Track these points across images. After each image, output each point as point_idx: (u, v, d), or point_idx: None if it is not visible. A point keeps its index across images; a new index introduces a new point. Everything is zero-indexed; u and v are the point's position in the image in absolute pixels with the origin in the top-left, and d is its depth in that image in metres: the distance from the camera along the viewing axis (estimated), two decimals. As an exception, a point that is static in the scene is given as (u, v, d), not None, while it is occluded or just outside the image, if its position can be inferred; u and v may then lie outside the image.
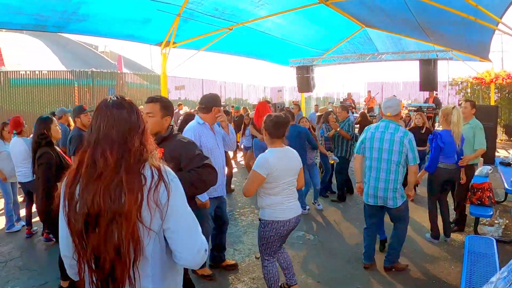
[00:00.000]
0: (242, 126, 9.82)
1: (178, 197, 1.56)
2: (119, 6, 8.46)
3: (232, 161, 10.89)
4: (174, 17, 9.46)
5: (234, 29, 11.23)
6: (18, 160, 5.78)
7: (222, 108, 4.37)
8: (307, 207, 6.89)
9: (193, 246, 1.58)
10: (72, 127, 7.00)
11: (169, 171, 1.58)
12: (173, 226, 1.54)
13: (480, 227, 5.57)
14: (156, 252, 1.56)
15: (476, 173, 5.95)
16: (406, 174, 4.38)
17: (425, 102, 15.52)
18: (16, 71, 14.67)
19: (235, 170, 10.76)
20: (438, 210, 5.42)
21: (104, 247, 1.46)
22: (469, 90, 18.79)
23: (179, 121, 7.10)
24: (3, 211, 6.43)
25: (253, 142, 8.42)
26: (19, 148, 5.77)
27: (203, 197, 3.73)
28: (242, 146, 10.12)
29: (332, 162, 7.13)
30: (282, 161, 3.41)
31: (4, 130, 6.30)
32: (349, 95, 19.95)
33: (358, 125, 11.40)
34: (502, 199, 7.15)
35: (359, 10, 10.84)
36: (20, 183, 5.96)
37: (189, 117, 5.10)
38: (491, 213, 5.20)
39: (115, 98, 1.58)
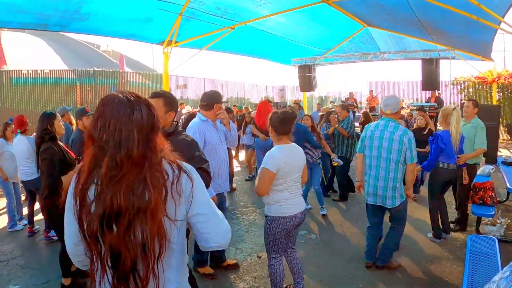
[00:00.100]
0: (243, 124, 9.81)
1: (200, 185, 1.63)
2: (121, 5, 8.46)
3: (234, 160, 10.90)
4: (176, 16, 9.46)
5: (236, 28, 11.22)
6: (21, 158, 5.80)
7: (223, 105, 4.37)
8: (309, 206, 6.90)
9: (220, 226, 1.67)
10: (74, 126, 7.04)
11: (184, 164, 1.63)
12: (202, 210, 1.61)
13: (482, 227, 5.56)
14: (179, 241, 1.62)
15: (478, 172, 5.94)
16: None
17: (427, 102, 15.51)
18: (18, 70, 14.68)
19: (237, 169, 10.77)
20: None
21: (125, 245, 1.45)
22: (471, 90, 18.74)
23: (181, 121, 7.11)
24: (5, 210, 6.43)
25: (254, 142, 8.43)
26: (22, 147, 5.78)
27: (210, 193, 3.74)
28: (242, 144, 10.09)
29: (335, 164, 7.06)
30: (289, 158, 3.41)
31: (7, 130, 6.30)
32: (351, 94, 19.94)
33: (361, 126, 11.38)
34: (504, 199, 7.14)
35: (361, 9, 10.83)
36: (22, 181, 5.98)
37: (191, 118, 5.10)
38: (493, 212, 5.19)
39: (130, 97, 1.54)
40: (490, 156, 8.57)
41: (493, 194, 5.30)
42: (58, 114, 4.21)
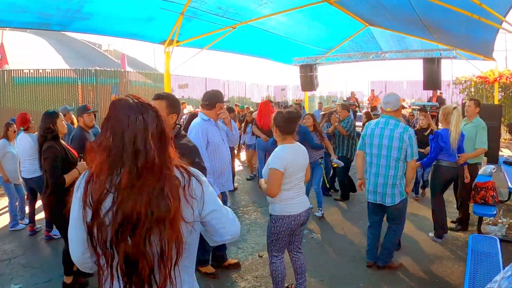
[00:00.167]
0: (244, 123, 9.82)
1: (208, 185, 1.67)
2: (123, 5, 8.47)
3: (236, 159, 10.90)
4: (178, 16, 9.47)
5: (237, 27, 11.23)
6: (24, 155, 5.80)
7: (224, 104, 4.38)
8: (310, 205, 6.88)
9: (229, 217, 1.73)
10: (75, 126, 7.04)
11: (191, 167, 1.65)
12: (214, 207, 1.66)
13: (484, 226, 5.55)
14: (193, 241, 1.65)
15: (480, 172, 5.93)
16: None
17: (428, 101, 15.48)
18: (20, 70, 14.69)
19: (239, 168, 10.77)
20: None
21: (142, 254, 1.45)
22: (472, 89, 18.74)
23: (182, 120, 7.12)
24: (7, 209, 6.44)
25: (256, 141, 8.44)
26: (25, 144, 5.79)
27: (215, 191, 3.79)
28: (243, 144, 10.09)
29: (335, 165, 7.03)
30: (294, 157, 3.43)
31: (8, 131, 6.29)
32: (353, 94, 19.92)
33: (364, 126, 11.36)
34: (506, 198, 7.14)
35: (362, 8, 10.82)
36: (23, 179, 5.98)
37: (193, 117, 5.11)
38: (495, 212, 5.19)
39: (140, 103, 1.54)
40: (492, 156, 8.57)
41: (494, 193, 5.30)
42: (60, 113, 4.22)
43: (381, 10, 10.34)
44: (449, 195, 6.15)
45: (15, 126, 6.29)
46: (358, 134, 6.80)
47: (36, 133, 4.69)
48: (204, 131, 4.03)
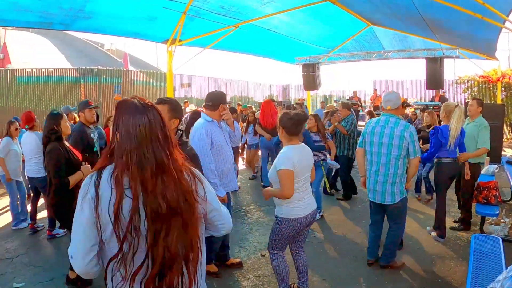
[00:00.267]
0: (246, 123, 9.80)
1: (207, 184, 1.78)
2: (125, 4, 8.47)
3: (240, 158, 10.90)
4: (180, 15, 9.46)
5: (240, 27, 11.21)
6: (29, 154, 5.80)
7: (228, 105, 4.39)
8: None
9: (225, 212, 1.85)
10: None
11: (193, 168, 1.74)
12: (215, 204, 1.78)
13: (486, 226, 5.54)
14: (204, 239, 1.76)
15: (483, 171, 5.92)
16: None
17: (431, 101, 15.45)
18: (23, 69, 14.74)
19: (242, 167, 10.77)
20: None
21: (175, 251, 1.52)
22: (475, 89, 18.69)
23: (184, 118, 7.12)
24: (9, 208, 6.46)
25: (259, 140, 8.43)
26: (31, 143, 5.79)
27: (221, 192, 3.92)
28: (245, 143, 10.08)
29: (330, 167, 6.98)
30: (301, 157, 3.44)
31: (11, 128, 6.31)
32: (355, 93, 19.92)
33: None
34: (509, 198, 7.11)
35: (365, 7, 10.79)
36: (28, 177, 5.99)
37: (196, 115, 5.12)
38: (497, 212, 5.17)
39: (146, 105, 1.61)
40: (495, 156, 8.55)
41: (497, 193, 5.28)
42: (64, 114, 4.24)
43: (383, 9, 10.31)
44: (451, 194, 6.14)
45: (17, 123, 6.31)
46: (359, 133, 6.76)
47: (41, 131, 4.71)
48: (209, 132, 4.05)
